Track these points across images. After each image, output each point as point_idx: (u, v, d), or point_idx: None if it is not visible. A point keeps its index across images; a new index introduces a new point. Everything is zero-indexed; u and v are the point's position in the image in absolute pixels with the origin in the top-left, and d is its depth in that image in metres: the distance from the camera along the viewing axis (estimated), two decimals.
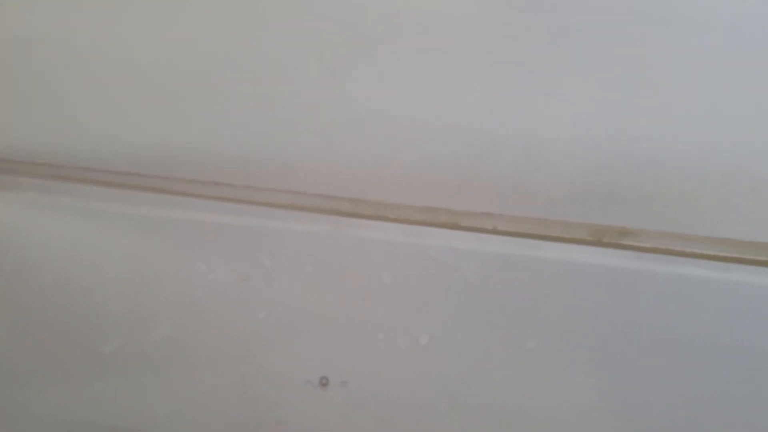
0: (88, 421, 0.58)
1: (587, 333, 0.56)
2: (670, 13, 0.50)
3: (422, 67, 0.57)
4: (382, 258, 0.60)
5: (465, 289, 0.58)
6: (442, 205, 0.54)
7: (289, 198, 0.55)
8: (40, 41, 0.58)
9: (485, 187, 0.56)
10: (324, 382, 0.58)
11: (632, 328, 0.55)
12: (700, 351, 0.53)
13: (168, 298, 0.60)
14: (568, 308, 0.56)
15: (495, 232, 0.49)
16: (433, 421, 0.57)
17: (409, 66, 0.56)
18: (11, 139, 0.62)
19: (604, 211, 0.53)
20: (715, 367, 0.53)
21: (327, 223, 0.59)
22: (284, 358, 0.59)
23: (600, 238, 0.49)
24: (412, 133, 0.58)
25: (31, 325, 0.60)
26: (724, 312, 0.53)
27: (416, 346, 0.58)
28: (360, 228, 0.59)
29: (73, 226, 0.61)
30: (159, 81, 0.58)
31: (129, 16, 0.57)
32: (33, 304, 0.61)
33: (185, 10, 0.56)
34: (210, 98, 0.59)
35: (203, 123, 0.60)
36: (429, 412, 0.57)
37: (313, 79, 0.61)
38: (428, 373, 0.57)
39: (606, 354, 0.56)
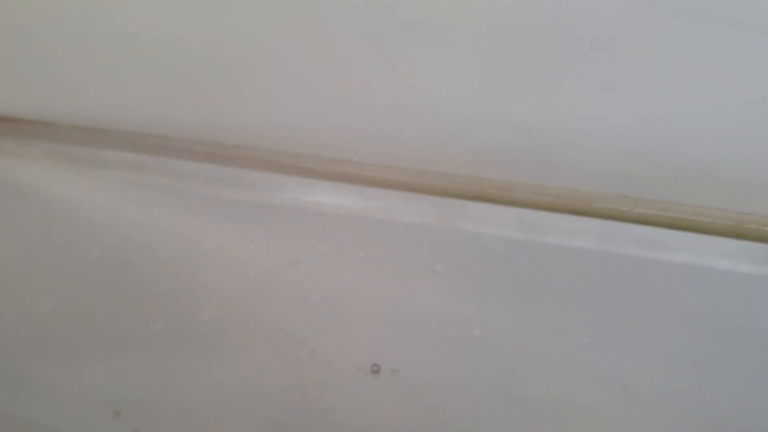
0: (134, 398, 0.57)
1: (643, 330, 0.56)
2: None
3: (478, 58, 0.56)
4: (435, 246, 0.59)
5: (519, 281, 0.57)
6: None
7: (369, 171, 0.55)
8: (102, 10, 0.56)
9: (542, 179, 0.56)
10: (375, 370, 0.57)
11: (691, 324, 0.55)
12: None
13: (218, 278, 0.59)
14: (623, 303, 0.56)
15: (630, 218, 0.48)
16: (484, 412, 0.56)
17: (464, 56, 0.55)
18: (56, 102, 0.60)
19: None
20: None
21: (380, 209, 0.59)
22: (335, 343, 0.58)
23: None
24: (466, 124, 0.57)
25: (78, 301, 0.59)
26: None
27: (469, 336, 0.57)
28: (411, 215, 0.59)
29: (123, 202, 0.60)
30: (216, 59, 0.57)
31: None
32: (80, 279, 0.60)
33: None
34: (263, 78, 0.58)
35: (256, 103, 0.59)
36: (480, 404, 0.56)
37: (368, 65, 0.60)
38: (481, 365, 0.57)
39: (663, 351, 0.55)
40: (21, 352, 0.59)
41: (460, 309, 0.58)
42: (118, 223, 0.60)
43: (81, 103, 0.59)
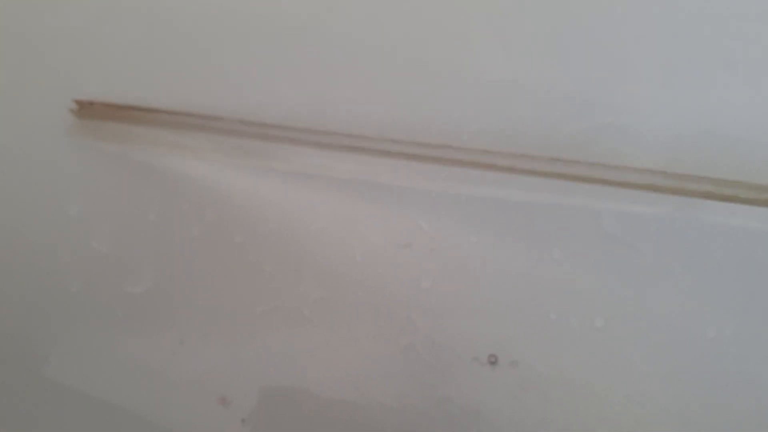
0: (241, 384, 0.54)
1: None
2: None
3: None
4: (552, 232, 0.56)
5: (643, 269, 0.55)
6: None
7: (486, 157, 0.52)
8: None
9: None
10: (492, 361, 0.54)
11: None
12: None
13: (325, 260, 0.56)
14: (757, 288, 0.54)
15: None
16: (608, 408, 0.54)
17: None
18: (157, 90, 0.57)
19: None
20: None
21: (489, 191, 0.56)
22: (449, 331, 0.55)
23: None
24: (580, 105, 0.54)
25: (176, 281, 0.56)
26: None
27: (591, 328, 0.55)
28: (524, 196, 0.56)
29: (223, 178, 0.57)
30: (314, 39, 0.55)
31: None
32: (178, 258, 0.56)
33: None
34: (357, 57, 0.56)
35: (356, 81, 0.56)
36: (604, 399, 0.54)
37: (479, 41, 0.57)
38: (604, 358, 0.54)
39: None
40: (115, 337, 0.55)
41: (580, 299, 0.55)
42: (219, 199, 0.57)
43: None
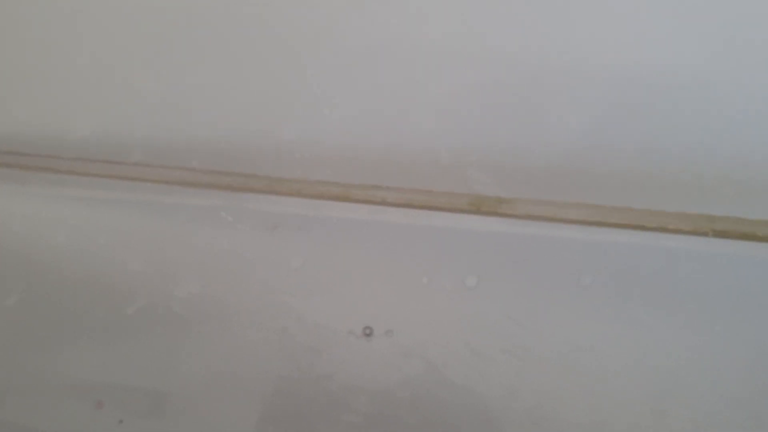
0: (116, 386, 0.54)
1: (643, 269, 0.53)
2: None
3: None
4: None
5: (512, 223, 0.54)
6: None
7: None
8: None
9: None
10: (368, 332, 0.54)
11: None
12: None
13: (190, 253, 0.56)
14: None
15: (384, 203, 0.49)
16: (487, 365, 0.53)
17: None
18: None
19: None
20: None
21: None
22: (323, 309, 0.55)
23: (479, 207, 0.49)
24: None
25: (45, 289, 0.56)
26: None
27: (464, 288, 0.54)
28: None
29: (85, 187, 0.56)
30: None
31: None
32: (45, 266, 0.56)
33: None
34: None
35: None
36: (483, 357, 0.53)
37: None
38: (479, 316, 0.54)
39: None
40: None
41: (451, 260, 0.54)
42: (79, 205, 0.56)
43: None
